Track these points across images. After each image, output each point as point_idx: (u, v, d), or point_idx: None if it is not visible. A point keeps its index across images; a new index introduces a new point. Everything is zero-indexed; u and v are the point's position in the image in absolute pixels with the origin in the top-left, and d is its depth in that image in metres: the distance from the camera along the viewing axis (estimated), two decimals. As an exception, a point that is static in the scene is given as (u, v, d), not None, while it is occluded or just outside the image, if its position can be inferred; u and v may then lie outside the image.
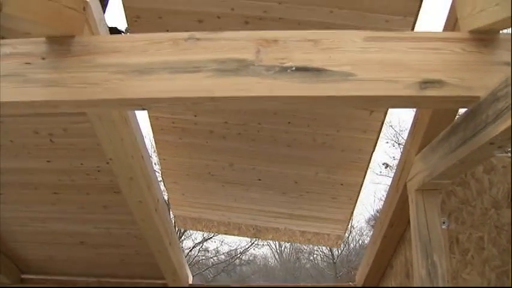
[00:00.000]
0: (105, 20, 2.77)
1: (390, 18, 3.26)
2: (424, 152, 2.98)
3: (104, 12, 4.43)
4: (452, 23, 2.54)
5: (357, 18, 3.28)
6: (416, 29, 3.35)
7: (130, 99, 2.19)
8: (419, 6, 3.21)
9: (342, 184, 5.04)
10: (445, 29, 2.65)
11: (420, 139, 3.08)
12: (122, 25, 4.18)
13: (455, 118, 2.83)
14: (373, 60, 2.17)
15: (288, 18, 3.39)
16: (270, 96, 2.11)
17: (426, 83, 2.16)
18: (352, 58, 2.16)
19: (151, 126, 4.70)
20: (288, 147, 4.67)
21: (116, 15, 4.61)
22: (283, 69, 2.13)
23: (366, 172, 4.87)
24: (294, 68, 2.12)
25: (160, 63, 2.19)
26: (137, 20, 3.51)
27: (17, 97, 2.24)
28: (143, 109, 2.50)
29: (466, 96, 2.19)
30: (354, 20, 3.29)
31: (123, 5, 3.48)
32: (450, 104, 2.33)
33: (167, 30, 3.53)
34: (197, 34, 2.22)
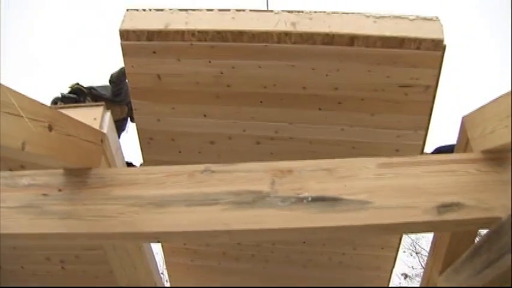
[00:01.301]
0: (121, 149, 2.85)
1: (401, 133, 3.30)
2: (447, 273, 2.88)
3: (119, 136, 4.59)
4: (464, 142, 2.56)
5: (368, 135, 3.33)
6: (427, 141, 3.39)
7: (146, 232, 2.18)
8: (429, 121, 3.26)
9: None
10: (458, 149, 2.67)
11: (442, 259, 3.00)
12: (137, 161, 4.29)
13: (476, 237, 2.78)
14: (388, 187, 2.17)
15: (299, 138, 3.44)
16: (286, 228, 2.09)
17: (444, 207, 2.14)
18: (368, 186, 2.17)
19: (163, 248, 4.61)
20: (304, 267, 4.50)
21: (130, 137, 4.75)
22: (299, 200, 2.13)
23: (385, 289, 4.67)
24: (309, 199, 2.13)
25: (176, 196, 2.20)
26: (150, 141, 3.59)
27: (33, 229, 2.25)
28: (158, 241, 2.49)
29: (486, 218, 2.16)
30: (365, 137, 3.34)
31: (137, 127, 3.58)
32: (470, 226, 2.29)
33: (180, 152, 3.62)
34: (213, 166, 2.25)
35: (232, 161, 3.55)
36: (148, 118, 3.47)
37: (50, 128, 1.97)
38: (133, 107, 3.46)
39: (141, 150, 3.65)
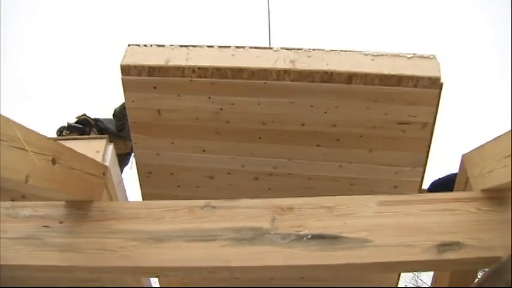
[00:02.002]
0: (123, 183, 2.85)
1: (399, 170, 3.32)
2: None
3: (123, 171, 4.60)
4: (463, 180, 2.58)
5: (366, 172, 3.35)
6: (425, 178, 3.41)
7: (145, 267, 2.18)
8: (427, 157, 3.29)
9: None
10: (457, 187, 2.69)
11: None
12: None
13: (477, 275, 2.77)
14: (388, 225, 2.17)
15: (297, 174, 3.45)
16: (286, 265, 2.08)
17: (444, 246, 2.14)
18: (367, 223, 2.17)
19: (159, 281, 4.55)
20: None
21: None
22: (299, 237, 2.13)
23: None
24: (309, 236, 2.13)
25: (176, 231, 2.20)
26: (149, 175, 3.59)
27: (33, 261, 2.25)
28: (157, 277, 2.47)
29: (486, 257, 2.15)
30: (363, 173, 3.36)
31: (136, 161, 3.59)
32: (470, 265, 2.29)
33: (178, 186, 3.63)
34: (213, 202, 2.26)
35: (230, 196, 3.56)
36: (147, 152, 3.48)
37: (54, 162, 1.99)
38: (132, 141, 3.48)
39: (140, 184, 3.64)
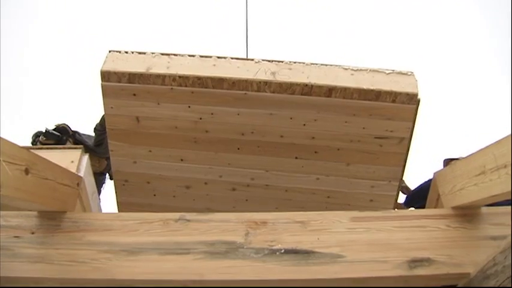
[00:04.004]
0: (97, 193, 2.83)
1: (376, 184, 3.36)
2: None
3: (100, 192, 4.56)
4: (435, 198, 2.62)
5: (343, 185, 3.37)
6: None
7: (118, 280, 2.16)
8: (403, 172, 3.34)
9: None
10: (429, 204, 2.74)
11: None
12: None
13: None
14: (360, 241, 2.21)
15: (274, 185, 3.46)
16: (258, 280, 2.09)
17: (415, 262, 2.18)
18: (340, 239, 2.20)
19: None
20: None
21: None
22: (272, 252, 2.14)
23: None
24: (283, 251, 2.14)
25: (149, 244, 2.20)
26: (125, 183, 3.58)
27: (3, 272, 2.20)
28: (130, 289, 2.46)
29: (455, 274, 2.20)
30: (340, 186, 3.39)
31: (112, 169, 3.56)
32: (440, 281, 2.31)
33: (154, 195, 3.61)
34: (187, 215, 2.26)
35: (207, 206, 3.56)
36: (124, 160, 3.46)
37: (27, 172, 1.97)
38: (109, 148, 3.45)
39: (116, 192, 3.62)
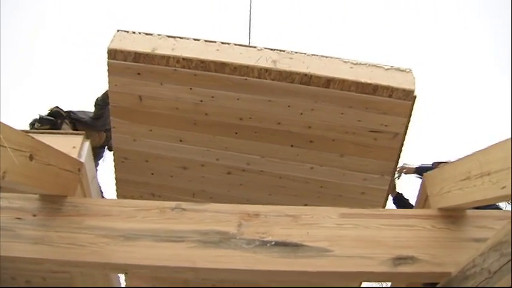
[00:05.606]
0: (97, 178, 2.89)
1: (368, 177, 3.42)
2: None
3: (97, 164, 4.60)
4: (424, 198, 2.70)
5: (336, 175, 3.44)
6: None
7: (114, 263, 2.26)
8: (396, 167, 3.41)
9: None
10: (418, 204, 2.82)
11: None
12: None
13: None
14: (348, 237, 2.29)
15: (269, 172, 3.53)
16: (249, 270, 2.19)
17: (399, 259, 2.28)
18: (329, 234, 2.29)
19: (126, 280, 4.52)
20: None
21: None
22: (263, 243, 2.23)
23: None
24: (273, 243, 2.23)
25: (146, 231, 2.29)
26: (124, 161, 3.64)
27: (4, 252, 2.30)
28: (126, 273, 2.56)
29: (437, 272, 2.31)
30: (333, 177, 3.46)
31: (113, 145, 3.62)
32: (422, 279, 2.43)
33: (152, 174, 3.68)
34: (183, 204, 2.35)
35: (202, 188, 3.63)
36: (125, 137, 3.51)
37: (31, 158, 2.04)
38: (111, 125, 3.50)
39: (115, 169, 3.68)
